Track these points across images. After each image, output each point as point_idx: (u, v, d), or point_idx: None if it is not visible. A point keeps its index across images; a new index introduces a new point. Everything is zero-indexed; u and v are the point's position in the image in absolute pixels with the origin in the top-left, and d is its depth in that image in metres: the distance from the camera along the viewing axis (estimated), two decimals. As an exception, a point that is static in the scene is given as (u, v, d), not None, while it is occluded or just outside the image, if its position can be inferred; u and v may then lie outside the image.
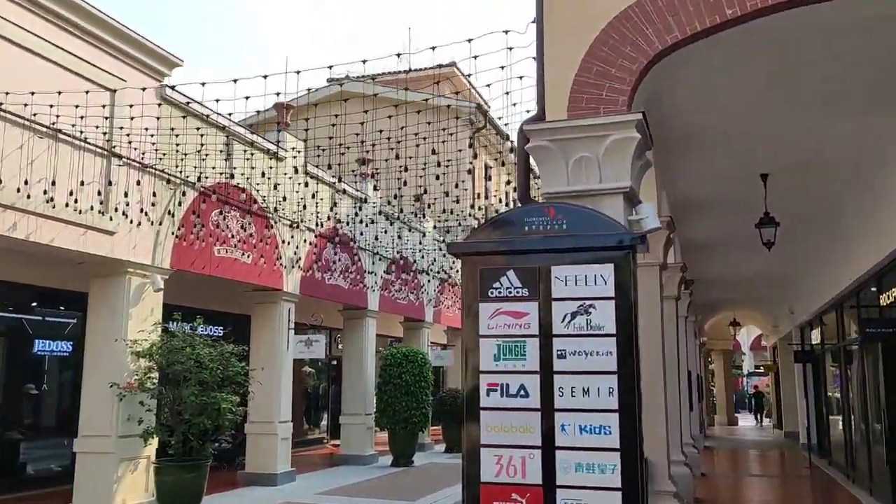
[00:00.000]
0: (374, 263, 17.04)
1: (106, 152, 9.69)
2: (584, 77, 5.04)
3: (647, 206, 5.06)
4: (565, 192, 5.01)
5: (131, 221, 9.93)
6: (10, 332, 11.88)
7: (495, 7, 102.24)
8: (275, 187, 12.67)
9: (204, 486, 9.91)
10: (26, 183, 8.57)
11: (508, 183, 18.86)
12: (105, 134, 9.52)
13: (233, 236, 12.17)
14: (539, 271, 4.57)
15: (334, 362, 21.33)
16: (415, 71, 22.73)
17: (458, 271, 21.95)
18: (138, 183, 9.84)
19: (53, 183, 8.86)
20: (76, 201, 9.07)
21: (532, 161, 5.29)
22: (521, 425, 4.52)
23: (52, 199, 8.81)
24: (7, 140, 8.47)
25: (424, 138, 8.36)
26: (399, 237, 17.67)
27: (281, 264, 13.50)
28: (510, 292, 4.64)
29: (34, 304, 12.21)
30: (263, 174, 11.26)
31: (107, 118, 9.23)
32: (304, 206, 13.23)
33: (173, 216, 10.77)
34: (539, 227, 4.70)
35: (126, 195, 9.62)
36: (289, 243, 13.67)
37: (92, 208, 9.43)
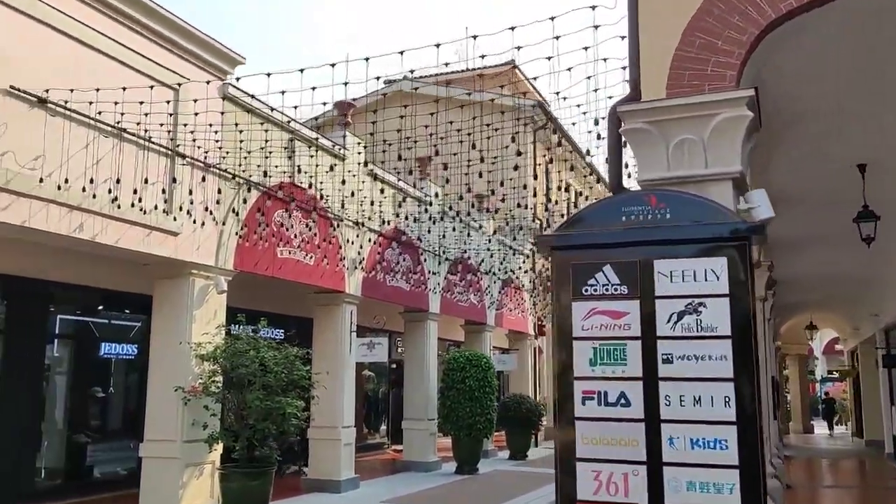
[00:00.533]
0: (439, 265, 16.69)
1: (170, 151, 9.55)
2: (685, 51, 4.55)
3: (759, 194, 4.53)
4: (665, 178, 4.52)
5: (195, 221, 9.77)
6: (78, 335, 11.87)
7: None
8: (342, 183, 12.37)
9: (269, 493, 9.67)
10: (91, 182, 8.45)
11: (567, 189, 18.40)
12: (169, 132, 9.37)
13: (295, 237, 11.95)
14: (640, 266, 4.10)
15: (394, 366, 21.08)
16: (471, 71, 22.37)
17: (521, 273, 21.53)
18: (203, 179, 9.66)
19: (118, 182, 8.73)
20: (140, 200, 8.93)
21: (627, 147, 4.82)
22: (622, 438, 4.06)
23: (116, 199, 8.68)
24: (73, 139, 8.36)
25: (489, 136, 7.98)
26: (462, 238, 17.28)
27: (343, 265, 13.24)
28: (607, 290, 4.18)
29: (100, 306, 12.19)
30: (331, 168, 11.01)
31: (171, 115, 9.06)
32: (371, 203, 12.91)
33: (238, 215, 10.57)
34: (639, 216, 4.24)
35: (190, 193, 9.44)
36: (352, 243, 13.41)
37: (156, 208, 9.29)
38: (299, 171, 11.85)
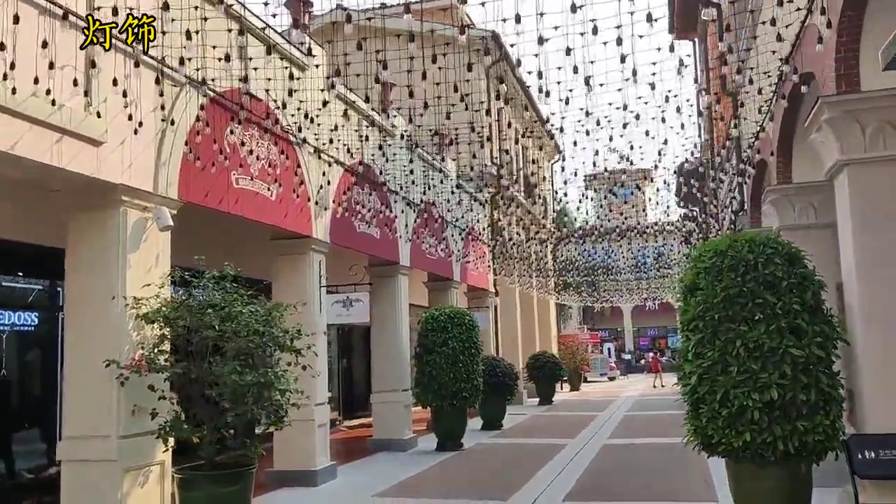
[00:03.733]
0: (402, 211, 14.12)
1: (87, 25, 6.56)
2: None
3: None
4: None
5: (133, 124, 6.87)
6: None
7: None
8: (302, 102, 9.57)
9: (250, 502, 7.01)
10: (-34, 53, 5.48)
11: (524, 135, 16.26)
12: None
13: (253, 162, 9.17)
14: None
15: (342, 330, 18.51)
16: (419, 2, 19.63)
17: (482, 224, 19.23)
18: (137, 65, 6.75)
19: (13, 67, 5.76)
20: (48, 93, 6.00)
21: None
22: None
23: (11, 84, 5.73)
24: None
25: (440, 68, 6.94)
26: (428, 180, 14.74)
27: (310, 204, 10.53)
28: None
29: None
30: (291, 77, 8.21)
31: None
32: (336, 128, 10.20)
33: (174, 126, 7.70)
34: None
35: (115, 84, 6.55)
36: (321, 176, 10.68)
37: (68, 105, 6.36)
38: (246, 80, 8.98)
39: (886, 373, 5.88)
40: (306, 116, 9.42)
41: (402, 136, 13.64)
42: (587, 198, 17.23)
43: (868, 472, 5.81)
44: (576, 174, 11.21)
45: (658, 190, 23.64)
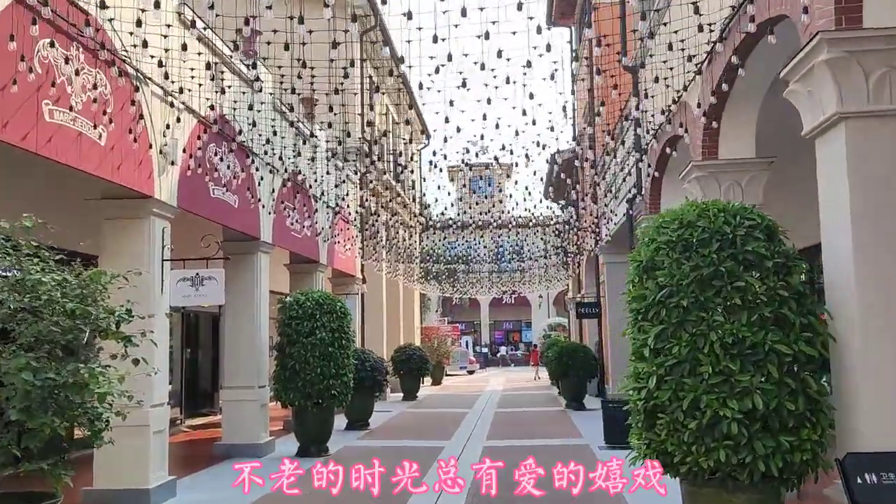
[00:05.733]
0: (263, 178, 12.11)
1: None
2: None
3: None
4: None
5: None
6: None
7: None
8: (139, 23, 7.42)
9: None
10: None
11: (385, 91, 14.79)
12: None
13: (75, 93, 7.01)
14: None
15: (188, 314, 16.23)
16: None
17: (350, 203, 17.47)
18: None
19: None
20: None
21: None
22: None
23: None
24: None
25: (310, 31, 6.30)
26: (296, 146, 12.82)
27: (152, 155, 8.42)
28: None
29: None
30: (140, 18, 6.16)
31: None
32: (188, 67, 8.16)
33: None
34: None
35: None
36: (168, 125, 8.60)
37: None
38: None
39: (888, 372, 4.79)
40: (146, 45, 7.31)
41: (268, 94, 11.66)
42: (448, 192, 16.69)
43: (869, 500, 4.71)
44: (439, 168, 10.78)
45: (517, 183, 23.18)
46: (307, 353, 11.42)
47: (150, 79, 8.25)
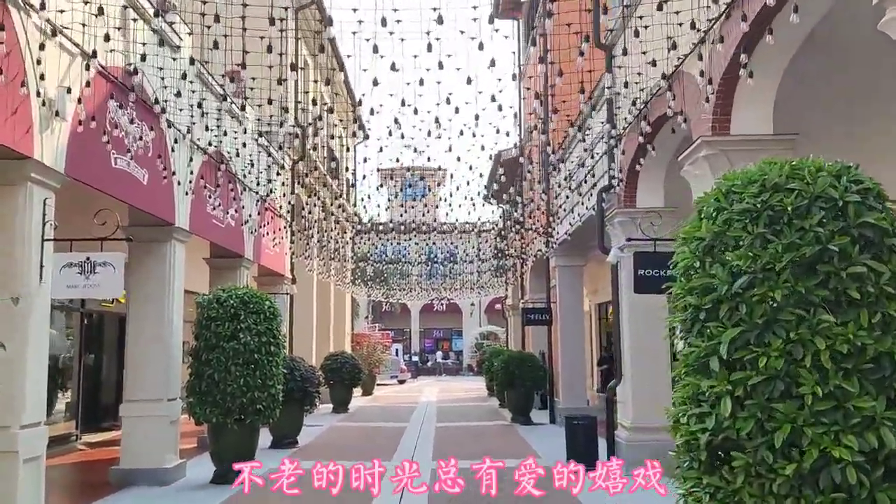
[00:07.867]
0: (173, 148, 10.21)
1: None
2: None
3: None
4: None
5: None
6: None
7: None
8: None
9: None
10: None
11: (327, 83, 13.32)
12: None
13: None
14: None
15: (87, 317, 14.13)
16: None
17: (279, 195, 15.68)
18: None
19: None
20: None
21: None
22: None
23: None
24: None
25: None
26: (219, 121, 11.00)
27: (32, 105, 6.55)
28: None
29: None
30: None
31: None
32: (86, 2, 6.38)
33: None
34: None
35: None
36: (56, 77, 6.74)
37: None
38: None
39: None
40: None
41: (180, 45, 9.85)
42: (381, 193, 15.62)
43: None
44: (373, 167, 9.79)
45: (459, 188, 21.92)
46: (228, 360, 9.61)
47: (30, 5, 6.40)
